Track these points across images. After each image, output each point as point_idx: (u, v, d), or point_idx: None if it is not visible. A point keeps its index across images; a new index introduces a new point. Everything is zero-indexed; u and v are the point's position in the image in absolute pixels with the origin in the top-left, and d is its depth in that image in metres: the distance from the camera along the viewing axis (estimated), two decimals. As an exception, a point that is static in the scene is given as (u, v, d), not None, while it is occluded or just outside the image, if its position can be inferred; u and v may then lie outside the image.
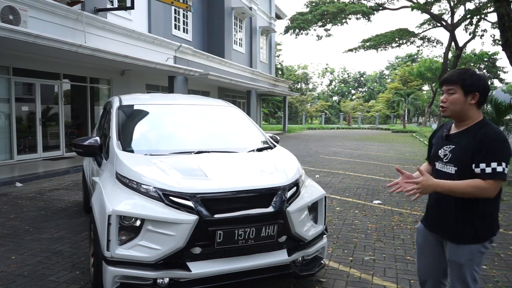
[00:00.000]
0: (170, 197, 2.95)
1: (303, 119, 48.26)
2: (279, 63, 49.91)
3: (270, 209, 3.09)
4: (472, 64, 35.86)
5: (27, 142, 11.20)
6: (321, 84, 77.20)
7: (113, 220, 2.88)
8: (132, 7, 10.86)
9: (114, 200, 3.01)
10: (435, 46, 33.19)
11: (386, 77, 65.60)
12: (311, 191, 3.58)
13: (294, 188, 3.34)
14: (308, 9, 23.42)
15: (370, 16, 23.00)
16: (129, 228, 2.95)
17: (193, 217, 2.86)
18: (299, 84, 63.38)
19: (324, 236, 3.65)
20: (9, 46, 8.24)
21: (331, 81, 68.52)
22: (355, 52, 31.46)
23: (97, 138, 4.04)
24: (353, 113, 48.49)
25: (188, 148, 3.79)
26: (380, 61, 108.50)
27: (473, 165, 2.14)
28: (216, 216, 2.91)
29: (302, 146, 18.32)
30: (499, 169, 2.08)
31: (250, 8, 23.08)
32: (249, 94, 22.56)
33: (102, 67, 12.24)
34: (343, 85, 67.61)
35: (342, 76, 68.83)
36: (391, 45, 30.99)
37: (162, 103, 4.66)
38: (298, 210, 3.24)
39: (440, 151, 2.36)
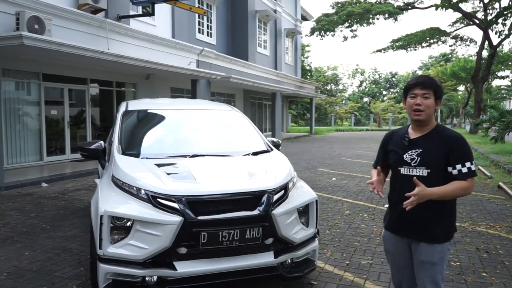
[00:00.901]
0: (158, 199, 3.09)
1: (332, 120, 47.77)
2: (308, 65, 49.64)
3: (255, 211, 3.17)
4: (510, 63, 34.39)
5: (56, 144, 11.74)
6: (351, 85, 76.05)
7: (105, 220, 3.05)
8: (152, 14, 11.19)
9: (107, 202, 3.19)
10: (468, 45, 32.12)
11: (419, 78, 63.86)
12: (302, 194, 3.64)
13: (282, 192, 3.41)
14: (334, 10, 23.27)
15: (397, 16, 22.57)
16: (121, 228, 3.11)
17: (178, 219, 2.99)
18: (329, 85, 62.83)
19: (316, 239, 3.70)
20: (37, 53, 8.70)
21: (361, 82, 67.52)
22: (384, 52, 30.99)
23: (101, 142, 4.25)
24: (383, 114, 47.58)
25: (184, 152, 3.93)
26: (412, 61, 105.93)
27: (449, 168, 2.29)
28: (200, 217, 3.03)
29: (326, 148, 18.21)
30: (472, 167, 2.27)
31: (275, 11, 23.17)
32: (274, 96, 22.63)
33: (127, 71, 12.66)
34: (374, 86, 66.45)
35: (373, 77, 67.68)
36: (421, 45, 30.31)
37: (166, 108, 4.84)
38: (285, 213, 3.31)
39: (405, 156, 2.40)
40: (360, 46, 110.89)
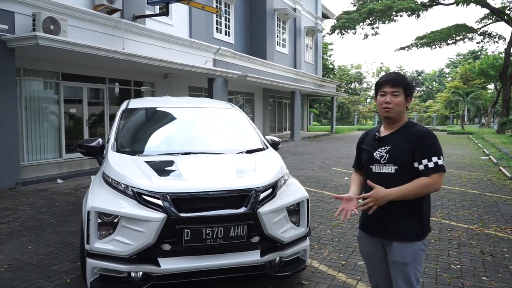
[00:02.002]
0: (143, 196, 3.12)
1: (355, 119, 47.18)
2: (331, 63, 49.18)
3: (240, 209, 3.16)
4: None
5: (75, 142, 12.04)
6: (376, 84, 74.82)
7: (92, 215, 3.11)
8: (167, 14, 11.32)
9: (95, 198, 3.25)
10: (497, 42, 31.05)
11: (446, 76, 62.37)
12: (292, 193, 3.60)
13: (270, 190, 3.38)
14: (355, 8, 22.94)
15: (419, 12, 22.05)
16: (109, 224, 3.16)
17: (161, 215, 3.01)
18: (353, 84, 62.07)
19: (307, 238, 3.66)
20: (54, 53, 8.94)
21: (386, 81, 66.31)
22: (407, 50, 30.35)
23: (100, 139, 4.33)
24: (408, 113, 46.64)
25: (177, 149, 3.96)
26: (439, 59, 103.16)
27: (416, 163, 2.23)
28: (183, 215, 3.04)
29: (344, 147, 17.99)
30: (440, 162, 2.20)
31: (294, 9, 23.04)
32: (293, 94, 22.51)
33: (144, 71, 12.86)
34: (399, 84, 65.16)
35: (398, 75, 66.37)
36: (446, 42, 29.52)
37: (166, 106, 4.88)
38: (272, 211, 3.28)
39: (375, 154, 2.38)
40: (384, 44, 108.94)
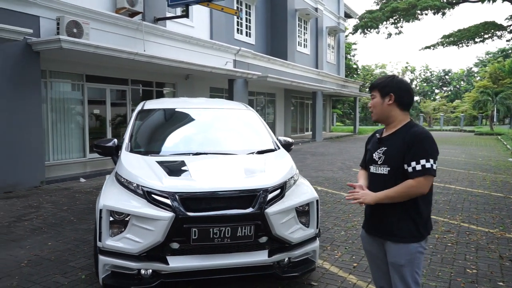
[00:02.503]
0: (153, 195, 3.19)
1: (379, 120, 46.38)
2: (354, 63, 48.61)
3: (247, 210, 3.18)
4: None
5: (98, 142, 12.33)
6: (402, 84, 73.33)
7: (103, 214, 3.20)
8: (187, 16, 11.46)
9: (107, 197, 3.34)
10: (527, 40, 29.97)
11: (475, 75, 60.63)
12: (302, 194, 3.60)
13: (278, 190, 3.39)
14: (378, 7, 22.62)
15: (445, 10, 21.53)
16: (120, 222, 3.24)
17: (169, 214, 3.06)
18: (377, 84, 61.09)
19: (317, 239, 3.65)
20: (77, 56, 9.20)
21: (411, 80, 65.09)
22: (433, 49, 29.61)
23: (115, 140, 4.44)
24: (434, 114, 45.60)
25: (189, 149, 4.02)
26: (467, 58, 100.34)
27: (405, 165, 2.21)
28: (191, 214, 3.08)
29: (366, 148, 17.74)
30: (428, 165, 2.16)
31: (316, 9, 22.90)
32: (315, 95, 22.39)
33: (165, 72, 13.06)
34: (425, 84, 63.85)
35: (424, 75, 65.04)
36: (474, 40, 28.68)
37: (180, 107, 4.95)
38: (280, 212, 3.28)
39: (374, 155, 2.40)
40: (408, 42, 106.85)
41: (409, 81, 64.10)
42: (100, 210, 3.21)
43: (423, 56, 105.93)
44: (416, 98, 61.56)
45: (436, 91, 63.03)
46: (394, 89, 2.32)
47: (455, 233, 5.26)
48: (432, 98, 58.31)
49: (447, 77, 63.61)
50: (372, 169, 2.40)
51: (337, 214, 6.20)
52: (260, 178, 3.42)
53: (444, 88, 63.44)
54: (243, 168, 3.61)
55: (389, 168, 2.28)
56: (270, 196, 3.30)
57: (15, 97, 8.00)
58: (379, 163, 2.35)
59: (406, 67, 64.46)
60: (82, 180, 9.12)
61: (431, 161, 2.16)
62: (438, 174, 10.28)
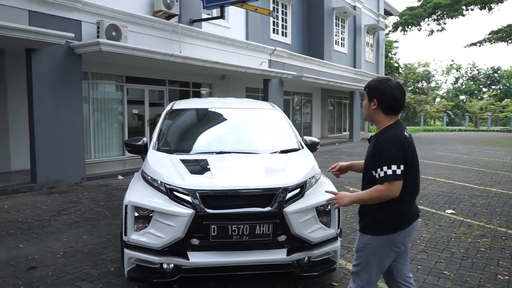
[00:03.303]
0: (175, 192, 3.29)
1: (422, 120, 44.93)
2: (396, 61, 47.31)
3: (266, 208, 3.22)
4: None
5: (137, 141, 12.76)
6: (445, 82, 70.26)
7: (129, 209, 3.34)
8: (222, 17, 11.63)
9: (132, 193, 3.49)
10: None
11: (527, 72, 57.26)
12: (323, 193, 3.58)
13: (298, 190, 3.40)
14: (419, 3, 21.87)
15: (491, 5, 20.50)
16: (144, 217, 3.37)
17: (189, 211, 3.15)
18: (420, 83, 59.18)
19: (338, 239, 3.63)
20: (116, 58, 9.59)
21: (457, 79, 62.45)
22: (479, 46, 28.30)
23: (144, 139, 4.60)
24: (481, 114, 43.51)
25: (212, 148, 4.11)
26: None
27: (373, 172, 2.36)
28: (210, 211, 3.16)
29: (405, 149, 17.25)
30: (389, 172, 2.26)
31: (354, 7, 22.51)
32: (352, 94, 22.03)
33: (201, 73, 13.32)
34: (471, 82, 61.03)
35: (470, 73, 62.17)
36: (525, 36, 27.14)
37: (208, 107, 5.06)
38: (299, 211, 3.29)
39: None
40: (453, 39, 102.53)
41: (454, 79, 61.46)
42: (126, 206, 3.36)
43: (469, 53, 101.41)
44: (462, 97, 59.06)
45: (484, 89, 60.04)
46: (378, 94, 2.41)
47: (490, 237, 5.05)
48: (479, 97, 55.65)
49: (495, 75, 60.48)
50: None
51: (367, 215, 6.10)
52: (280, 177, 3.45)
53: (493, 87, 60.37)
54: (264, 167, 3.64)
55: (365, 169, 2.48)
56: (289, 195, 3.32)
57: (59, 98, 8.45)
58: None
59: (451, 65, 61.94)
60: (119, 177, 9.49)
61: (393, 167, 2.25)
62: (478, 176, 9.87)
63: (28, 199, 7.24)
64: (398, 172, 2.25)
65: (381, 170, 2.27)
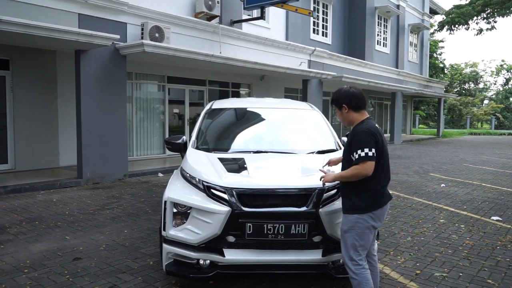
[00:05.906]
0: (212, 190, 3.36)
1: (468, 123, 43.07)
2: (441, 62, 45.62)
3: (302, 208, 3.22)
4: None
5: (177, 140, 13.07)
6: (495, 84, 66.75)
7: (167, 205, 3.45)
8: (262, 18, 11.68)
9: (171, 190, 3.59)
10: None
11: None
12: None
13: (334, 191, 3.37)
14: (467, 1, 20.97)
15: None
16: (182, 213, 3.47)
17: (226, 209, 3.20)
18: (467, 84, 56.79)
19: (375, 241, 3.56)
20: (159, 58, 9.88)
21: (507, 80, 59.32)
22: (533, 45, 26.73)
23: (184, 137, 4.71)
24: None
25: (249, 148, 4.16)
26: None
27: (351, 155, 2.90)
28: (246, 209, 3.20)
29: (449, 152, 16.65)
30: (362, 154, 2.81)
31: (397, 6, 21.93)
32: (394, 95, 21.46)
33: (241, 73, 13.45)
34: (524, 83, 57.73)
35: (523, 74, 58.82)
36: None
37: (246, 107, 5.11)
38: (335, 212, 3.27)
39: None
40: (503, 39, 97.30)
41: (504, 81, 58.36)
42: (165, 202, 3.46)
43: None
44: (513, 99, 55.97)
45: (537, 91, 56.66)
46: (344, 100, 3.01)
47: (539, 247, 4.78)
48: (531, 99, 52.59)
49: (551, 75, 56.92)
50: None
51: (406, 219, 5.95)
52: (316, 178, 3.42)
53: (548, 88, 56.83)
54: (301, 167, 3.65)
55: (345, 155, 3.03)
56: (325, 195, 3.30)
57: (104, 97, 8.82)
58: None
59: (501, 65, 58.93)
60: (160, 175, 9.76)
61: (366, 150, 2.80)
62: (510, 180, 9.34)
63: (75, 193, 7.60)
64: (370, 154, 2.79)
65: (356, 153, 2.83)
